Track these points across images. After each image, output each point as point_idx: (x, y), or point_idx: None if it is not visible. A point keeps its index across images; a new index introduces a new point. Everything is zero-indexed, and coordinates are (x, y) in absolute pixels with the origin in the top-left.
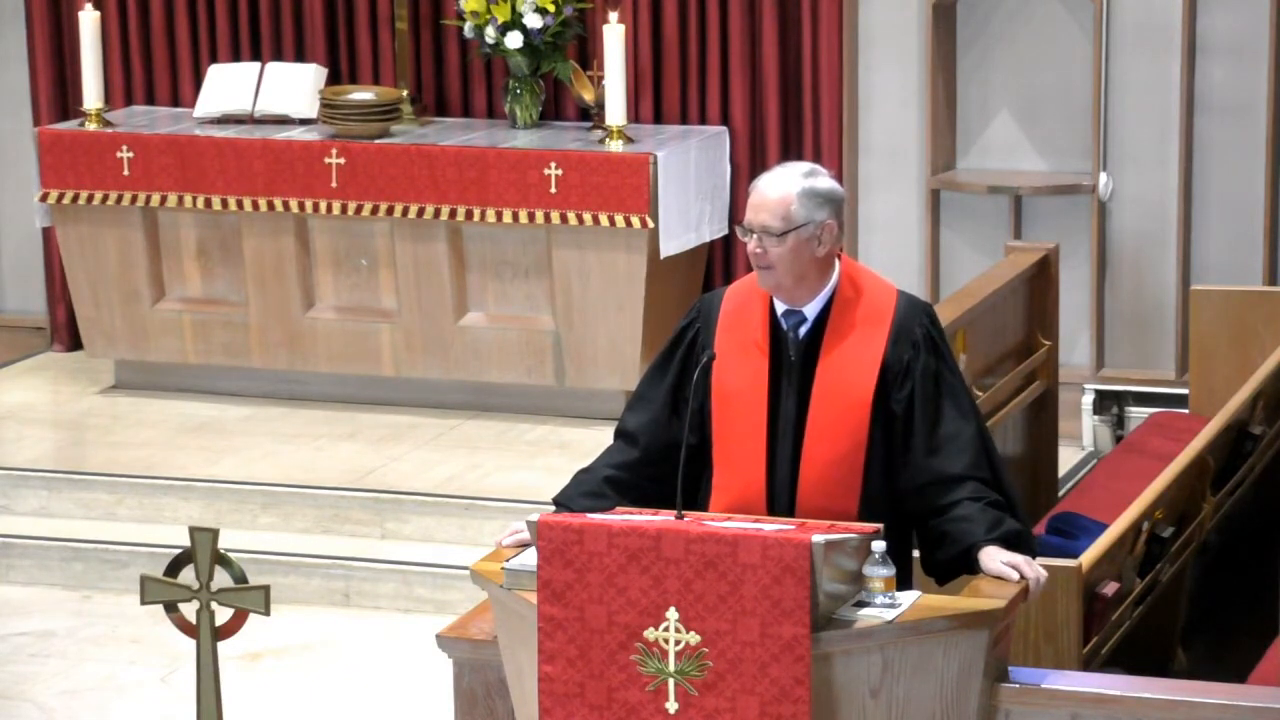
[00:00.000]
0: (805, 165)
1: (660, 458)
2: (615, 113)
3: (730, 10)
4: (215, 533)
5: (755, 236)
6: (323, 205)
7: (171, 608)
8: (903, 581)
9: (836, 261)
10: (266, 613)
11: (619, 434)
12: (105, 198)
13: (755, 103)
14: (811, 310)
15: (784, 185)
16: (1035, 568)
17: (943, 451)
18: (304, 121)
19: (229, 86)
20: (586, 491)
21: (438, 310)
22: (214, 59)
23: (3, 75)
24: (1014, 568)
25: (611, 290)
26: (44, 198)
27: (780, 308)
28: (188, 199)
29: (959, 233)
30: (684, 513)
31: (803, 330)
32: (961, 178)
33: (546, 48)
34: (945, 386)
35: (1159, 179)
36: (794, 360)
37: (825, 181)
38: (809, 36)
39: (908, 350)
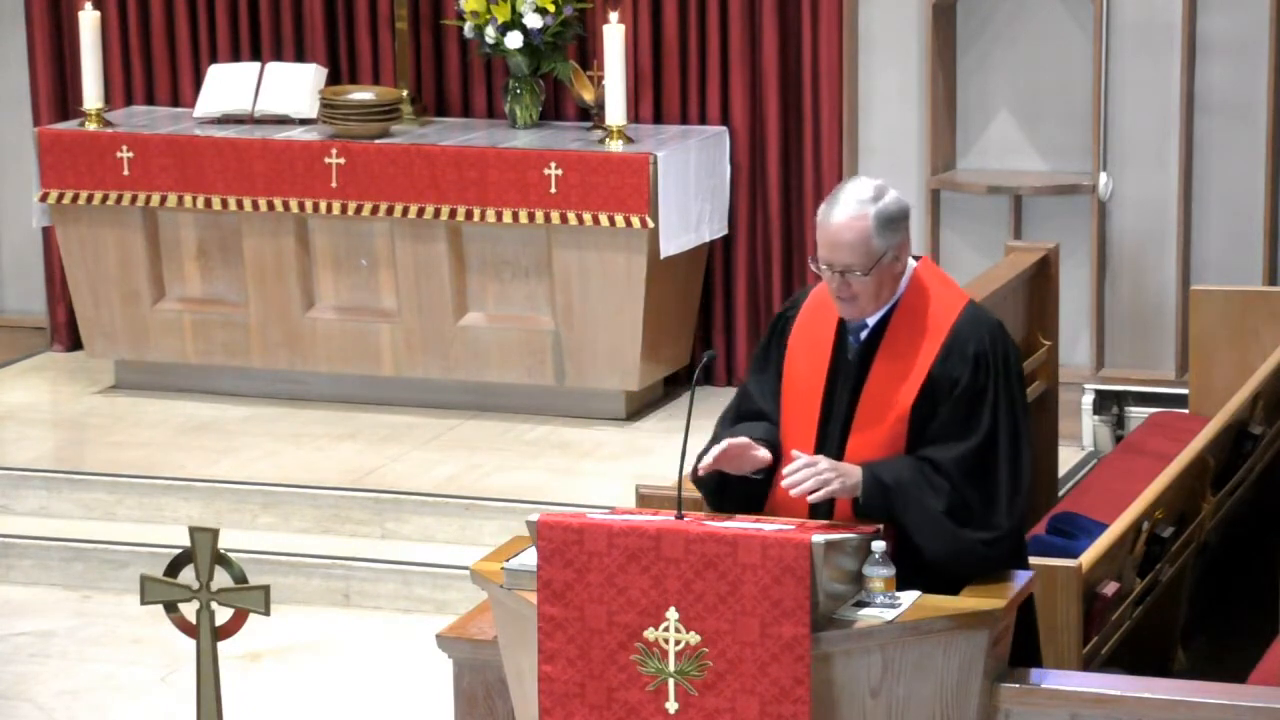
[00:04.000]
0: (869, 187)
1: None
2: (615, 113)
3: (730, 10)
4: (215, 533)
5: (838, 275)
6: (323, 205)
7: (171, 608)
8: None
9: (911, 263)
10: (266, 613)
11: (733, 419)
12: (105, 198)
13: (755, 103)
14: (874, 317)
15: (858, 220)
16: (827, 475)
17: (938, 446)
18: (304, 121)
19: (229, 86)
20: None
21: (438, 310)
22: (214, 59)
23: (3, 75)
24: (814, 463)
25: (611, 290)
26: (44, 198)
27: None
28: (188, 199)
29: (959, 233)
30: (684, 513)
31: (863, 334)
32: (961, 178)
33: (546, 48)
34: (978, 407)
35: (1159, 179)
36: (851, 362)
37: (893, 202)
38: (809, 36)
39: (958, 367)
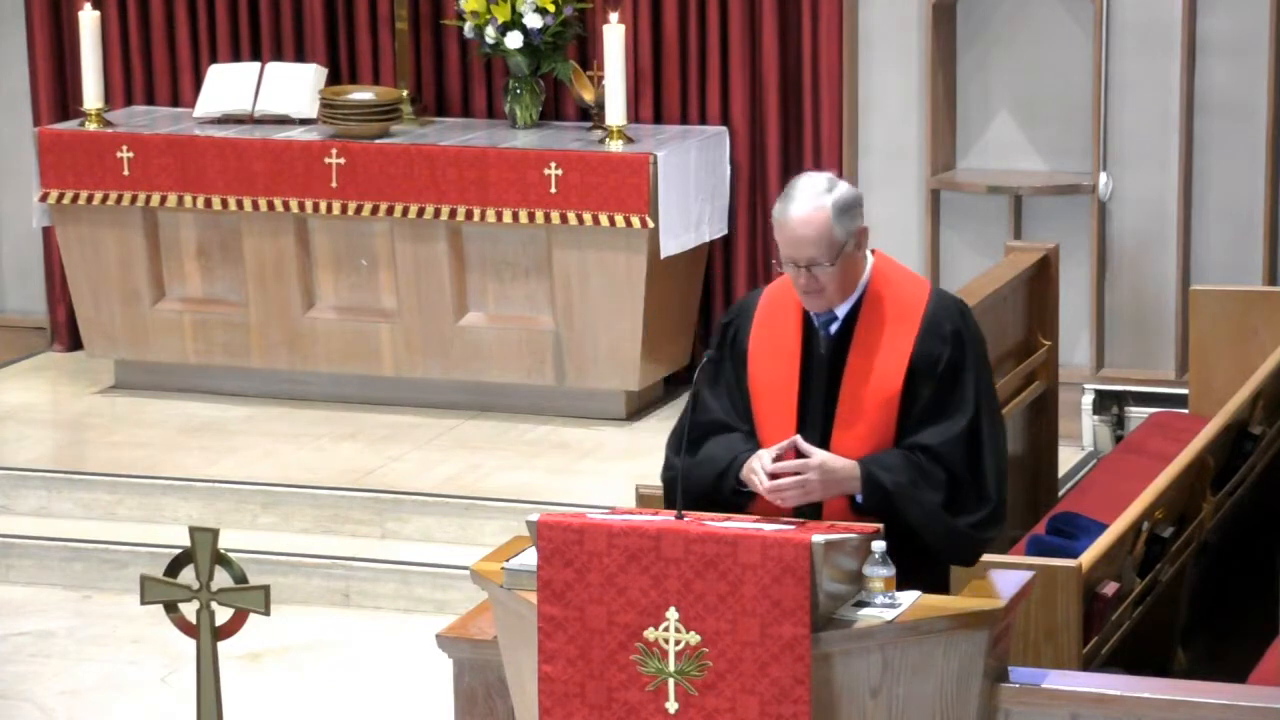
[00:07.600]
0: (821, 179)
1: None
2: (615, 113)
3: (730, 10)
4: (215, 533)
5: (804, 270)
6: (323, 205)
7: (171, 608)
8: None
9: (869, 257)
10: (266, 613)
11: (691, 436)
12: (105, 198)
13: (755, 103)
14: (843, 309)
15: (818, 212)
16: (812, 488)
17: (928, 428)
18: (304, 121)
19: (229, 86)
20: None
21: (438, 310)
22: (214, 59)
23: (3, 75)
24: (805, 463)
25: (611, 290)
26: (44, 198)
27: None
28: (188, 199)
29: (959, 233)
30: (684, 513)
31: (833, 328)
32: (961, 178)
33: (546, 48)
34: (960, 384)
35: (1159, 179)
36: (824, 356)
37: (845, 190)
38: (809, 36)
39: (937, 346)
